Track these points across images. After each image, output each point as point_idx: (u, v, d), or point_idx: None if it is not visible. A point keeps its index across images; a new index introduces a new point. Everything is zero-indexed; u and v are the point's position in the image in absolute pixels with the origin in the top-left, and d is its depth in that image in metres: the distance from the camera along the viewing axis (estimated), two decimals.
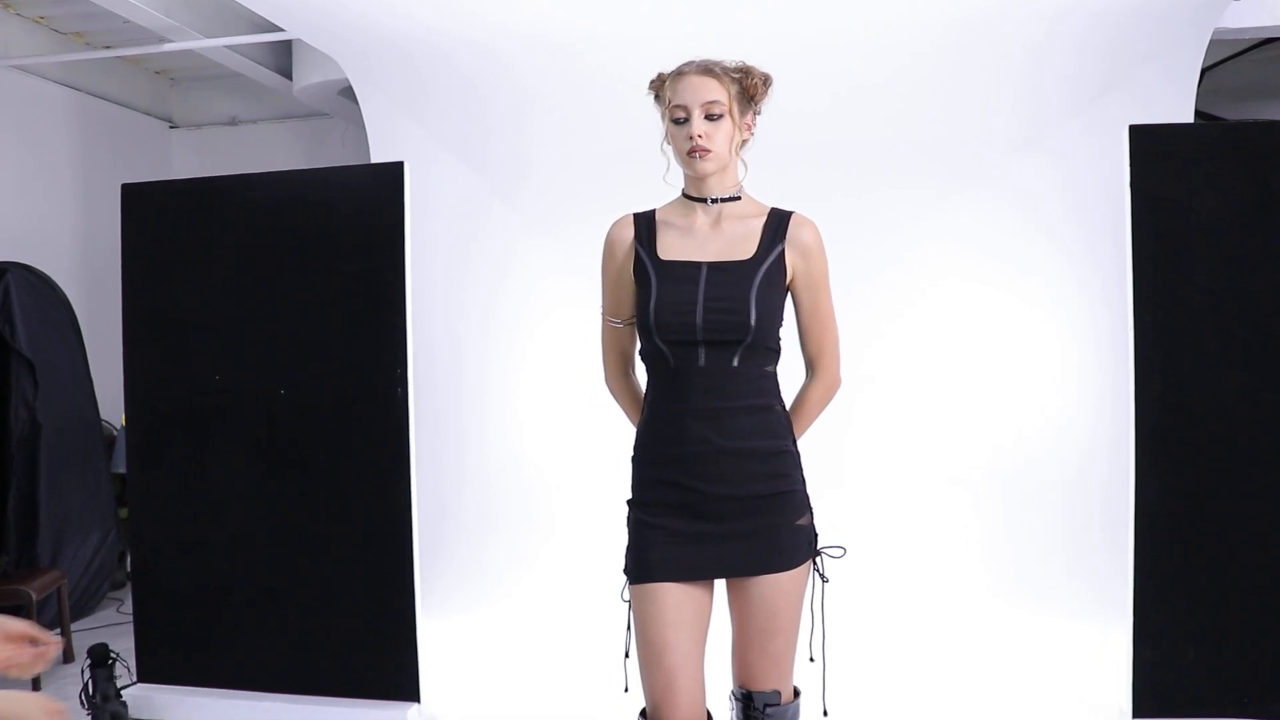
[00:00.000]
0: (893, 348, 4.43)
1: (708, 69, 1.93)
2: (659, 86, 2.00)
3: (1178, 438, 2.98)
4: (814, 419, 2.13)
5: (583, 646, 3.60)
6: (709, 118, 1.91)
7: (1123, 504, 3.03)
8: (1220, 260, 2.96)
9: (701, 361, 1.90)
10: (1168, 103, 4.10)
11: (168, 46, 5.37)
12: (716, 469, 1.91)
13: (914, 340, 4.45)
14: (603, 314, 2.09)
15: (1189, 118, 4.19)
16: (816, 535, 2.02)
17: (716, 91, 1.92)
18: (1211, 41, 4.21)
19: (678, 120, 1.93)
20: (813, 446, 2.56)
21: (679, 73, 1.96)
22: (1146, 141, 2.98)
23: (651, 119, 2.08)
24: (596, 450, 3.70)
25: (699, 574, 1.93)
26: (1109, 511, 3.42)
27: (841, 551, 2.02)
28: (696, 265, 1.93)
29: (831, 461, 4.22)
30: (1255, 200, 2.95)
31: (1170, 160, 2.97)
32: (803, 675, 2.07)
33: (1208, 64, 4.37)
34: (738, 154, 1.99)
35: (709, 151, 1.91)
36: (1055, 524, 4.21)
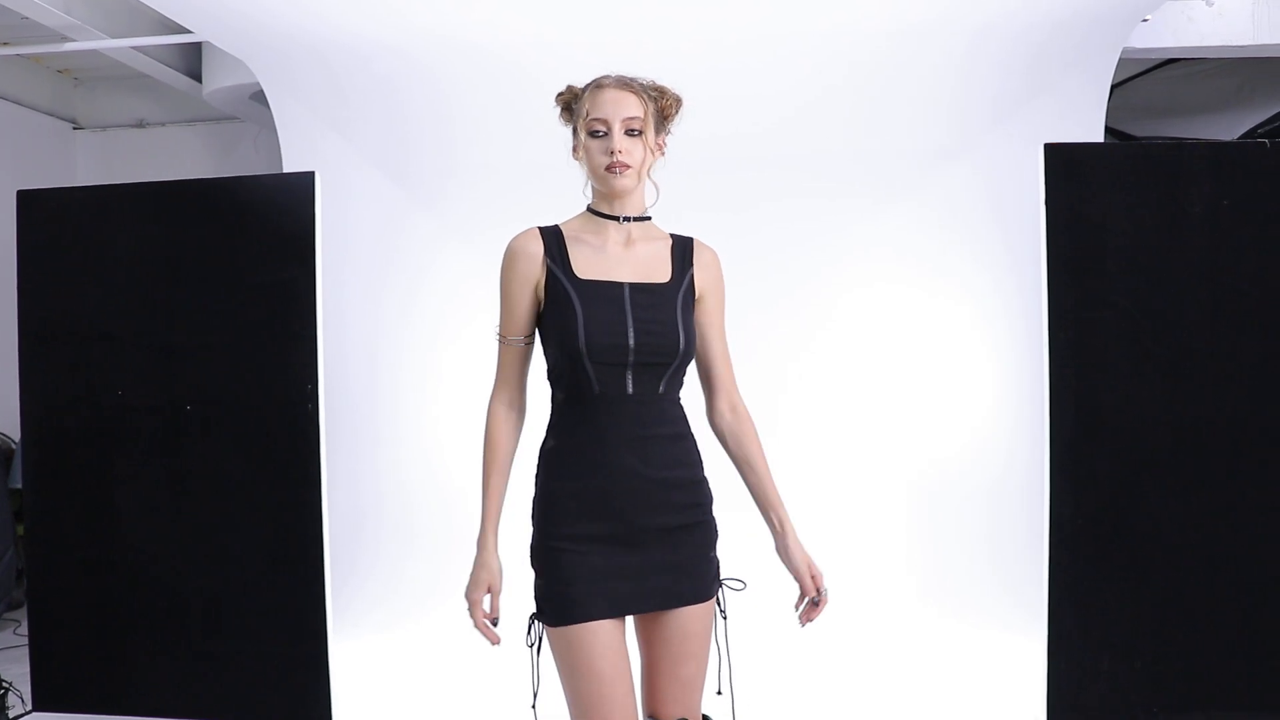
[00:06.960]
0: (818, 357, 4.46)
1: (626, 84, 1.90)
2: (570, 98, 1.96)
3: (1092, 454, 3.02)
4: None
5: (504, 668, 3.53)
6: (628, 133, 1.87)
7: (1039, 517, 3.07)
8: (1134, 277, 3.02)
9: (630, 387, 1.86)
10: (1080, 117, 4.22)
11: (68, 46, 5.16)
12: (645, 499, 1.87)
13: (839, 350, 4.48)
14: (500, 335, 1.95)
15: (1100, 131, 4.33)
16: (719, 566, 2.00)
17: (636, 107, 1.88)
18: (1120, 60, 4.34)
19: (595, 133, 1.88)
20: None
21: (598, 85, 1.90)
22: (1061, 159, 3.03)
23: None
24: (515, 463, 3.64)
25: (623, 609, 1.88)
26: (1029, 523, 3.48)
27: (741, 585, 1.99)
28: (618, 285, 1.89)
29: None
30: (1167, 218, 3.01)
31: (1085, 178, 3.02)
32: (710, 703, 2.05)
33: (1116, 81, 4.50)
34: (649, 174, 1.95)
35: (628, 167, 1.87)
36: (979, 533, 4.27)
